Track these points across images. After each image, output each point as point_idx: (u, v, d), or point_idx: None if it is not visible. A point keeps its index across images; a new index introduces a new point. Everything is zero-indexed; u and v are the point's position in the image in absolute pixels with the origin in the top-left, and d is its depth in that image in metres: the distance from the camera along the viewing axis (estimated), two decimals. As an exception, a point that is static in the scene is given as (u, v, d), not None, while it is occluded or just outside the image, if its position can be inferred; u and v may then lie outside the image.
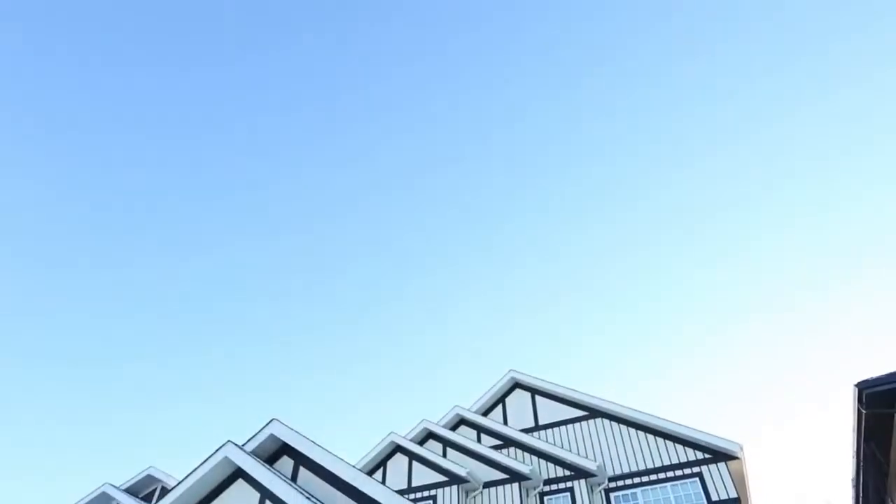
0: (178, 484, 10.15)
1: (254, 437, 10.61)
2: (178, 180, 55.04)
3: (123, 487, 17.34)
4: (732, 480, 15.05)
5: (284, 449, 10.69)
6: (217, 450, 10.28)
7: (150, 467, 18.01)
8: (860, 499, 11.48)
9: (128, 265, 55.75)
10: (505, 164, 55.63)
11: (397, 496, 8.86)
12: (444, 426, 18.40)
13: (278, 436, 10.59)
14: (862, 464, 10.48)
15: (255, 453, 10.30)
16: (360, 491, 9.23)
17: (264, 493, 9.53)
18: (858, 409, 9.60)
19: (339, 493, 9.48)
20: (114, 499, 16.93)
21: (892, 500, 10.67)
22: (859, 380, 9.28)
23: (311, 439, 10.37)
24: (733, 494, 14.73)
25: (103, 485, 17.14)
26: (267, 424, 10.72)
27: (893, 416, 9.73)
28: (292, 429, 10.58)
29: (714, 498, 14.79)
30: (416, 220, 58.42)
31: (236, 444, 10.29)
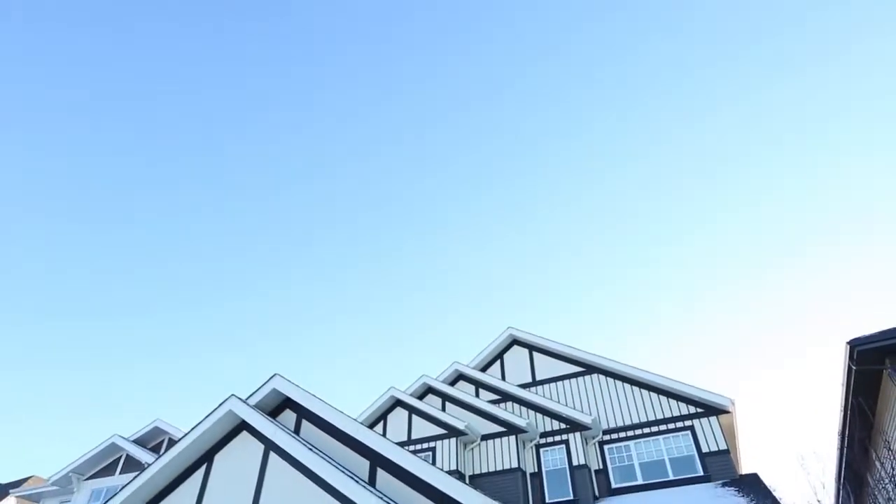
0: (185, 435, 10.44)
1: (257, 391, 10.85)
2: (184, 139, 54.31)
3: (132, 439, 17.84)
4: (723, 433, 15.51)
5: (287, 403, 10.95)
6: (221, 403, 10.52)
7: (156, 420, 18.49)
8: (845, 449, 11.86)
9: (130, 222, 55.60)
10: (506, 122, 54.79)
11: (397, 447, 9.13)
12: (444, 381, 18.80)
13: (280, 390, 10.82)
14: (849, 417, 10.77)
15: (258, 407, 10.55)
16: (361, 443, 9.51)
17: (268, 444, 9.82)
18: (849, 366, 9.80)
19: (340, 445, 9.76)
20: (123, 449, 17.46)
21: (874, 452, 11.03)
22: (851, 338, 9.46)
23: (313, 393, 10.61)
24: (723, 447, 15.20)
25: (112, 436, 17.64)
26: (269, 379, 10.94)
27: (882, 373, 9.95)
28: (294, 383, 10.81)
29: (704, 450, 15.27)
30: (417, 177, 57.91)
31: (240, 398, 10.53)
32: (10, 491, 21.26)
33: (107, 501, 10.27)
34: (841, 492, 11.94)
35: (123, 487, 10.23)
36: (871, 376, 10.04)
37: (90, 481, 17.30)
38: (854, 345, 9.39)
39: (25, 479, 24.37)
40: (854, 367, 9.65)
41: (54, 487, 17.69)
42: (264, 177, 59.28)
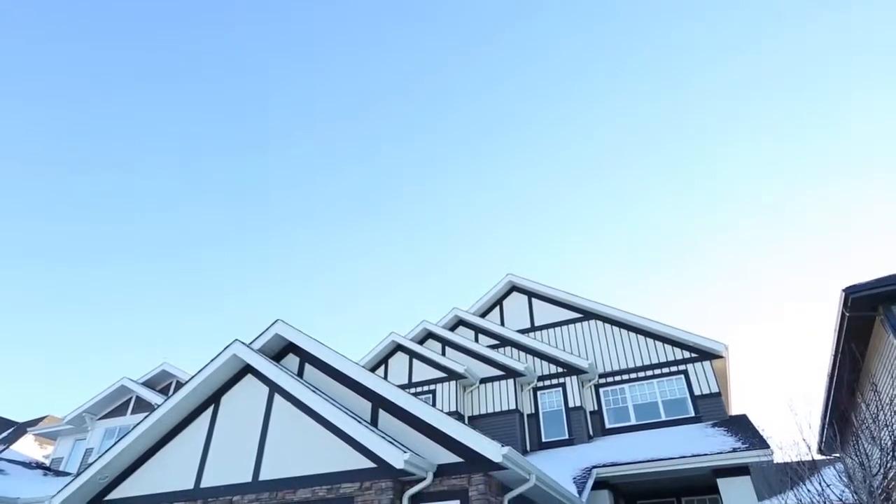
0: (192, 378, 10.75)
1: (259, 336, 11.06)
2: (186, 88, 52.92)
3: (140, 381, 18.36)
4: (715, 377, 15.94)
5: (290, 348, 11.19)
6: (226, 348, 10.76)
7: (163, 363, 18.97)
8: (833, 391, 12.21)
9: (132, 170, 55.05)
10: (510, 69, 53.20)
11: (398, 390, 9.41)
12: (443, 327, 19.15)
13: (283, 335, 11.04)
14: (839, 361, 11.04)
15: (261, 352, 10.80)
16: (363, 385, 9.79)
17: (273, 386, 10.12)
18: (843, 313, 9.95)
19: (343, 388, 10.05)
20: (132, 391, 18.00)
21: (860, 395, 11.37)
22: (847, 285, 9.58)
23: (315, 338, 10.83)
24: (715, 390, 15.66)
25: (121, 378, 18.15)
26: (272, 325, 11.14)
27: (874, 319, 10.11)
28: (296, 328, 11.01)
29: (697, 393, 15.74)
30: (419, 123, 56.86)
31: (243, 343, 10.76)
32: (28, 429, 22.11)
33: (120, 439, 10.70)
34: (826, 431, 12.38)
35: (135, 426, 10.62)
36: (864, 323, 10.22)
37: (103, 421, 17.94)
38: (849, 292, 9.52)
39: (41, 419, 25.31)
40: (847, 314, 9.81)
41: (69, 426, 18.37)
42: (269, 123, 58.24)
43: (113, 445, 10.66)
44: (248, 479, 9.33)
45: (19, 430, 24.18)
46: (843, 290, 9.58)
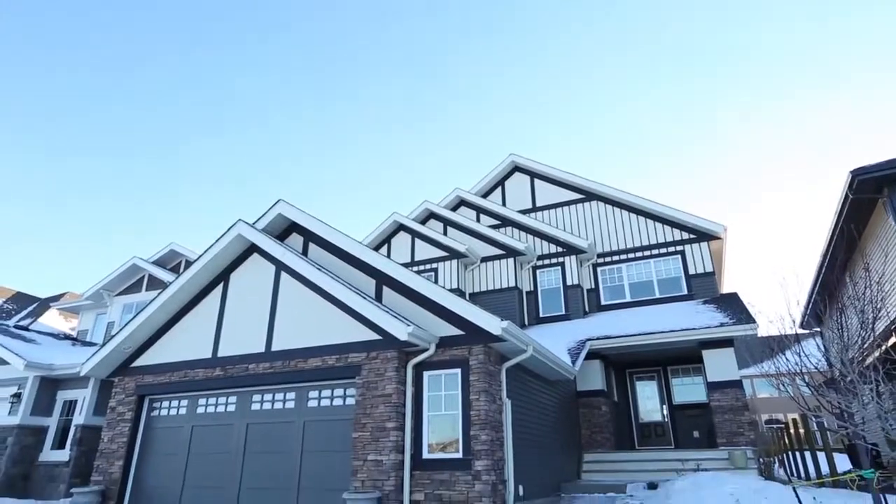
0: (200, 257, 11.03)
1: (263, 216, 11.15)
2: None
3: (151, 260, 18.89)
4: (711, 257, 16.30)
5: (293, 227, 11.33)
6: (230, 227, 10.91)
7: (172, 243, 19.36)
8: (824, 269, 12.56)
9: (147, 63, 52.07)
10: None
11: (401, 267, 9.68)
12: (445, 207, 19.24)
13: (286, 215, 11.12)
14: (835, 240, 11.21)
15: (265, 231, 10.95)
16: (367, 264, 10.05)
17: (279, 265, 10.41)
18: (846, 194, 9.92)
19: (347, 266, 10.33)
20: (144, 270, 18.59)
21: (850, 275, 11.68)
22: (855, 167, 9.47)
23: (318, 218, 10.93)
24: (709, 269, 16.10)
25: (132, 258, 18.65)
26: (274, 204, 11.18)
27: (877, 201, 10.10)
28: (299, 208, 11.07)
29: (692, 272, 16.21)
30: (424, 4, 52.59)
31: (247, 223, 10.88)
32: (51, 304, 23.21)
33: (139, 313, 11.26)
34: (811, 306, 12.92)
35: (152, 301, 11.12)
36: (865, 205, 10.23)
37: (120, 297, 18.76)
38: (855, 174, 9.43)
39: (62, 295, 26.47)
40: (851, 196, 9.78)
41: (89, 302, 19.26)
42: (274, 12, 53.86)
43: (133, 318, 11.25)
44: (262, 349, 9.94)
45: (42, 305, 25.40)
46: (851, 172, 9.48)
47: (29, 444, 13.37)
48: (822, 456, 10.77)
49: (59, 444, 13.54)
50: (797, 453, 12.35)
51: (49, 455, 13.42)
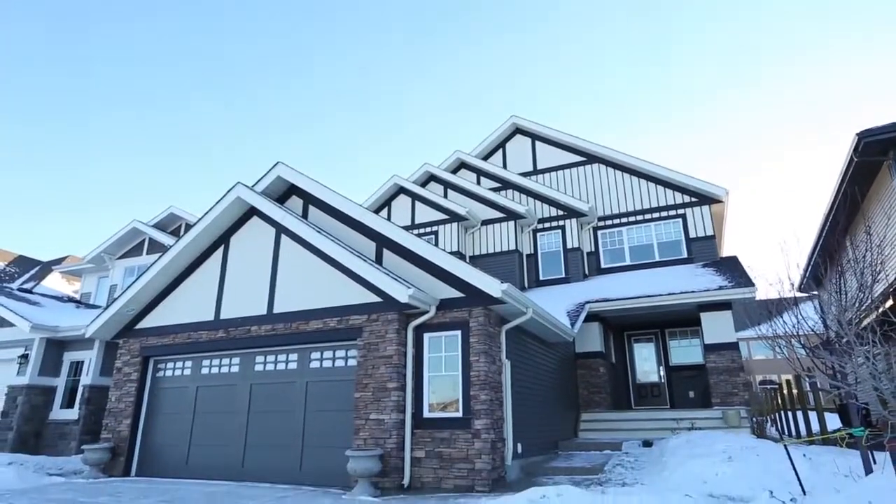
0: (200, 220, 11.01)
1: (262, 178, 11.07)
2: None
3: (150, 223, 18.86)
4: (712, 221, 16.26)
5: (293, 190, 11.26)
6: (229, 190, 10.84)
7: (171, 206, 19.29)
8: (825, 232, 12.55)
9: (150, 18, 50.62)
10: None
11: (402, 230, 9.67)
12: (446, 170, 19.07)
13: (285, 177, 11.03)
14: (838, 203, 11.16)
15: (265, 194, 10.89)
16: (367, 226, 10.03)
17: (279, 228, 10.39)
18: (851, 157, 9.83)
19: (347, 229, 10.32)
20: (144, 233, 18.58)
21: (851, 238, 11.67)
22: (861, 129, 9.36)
23: (317, 180, 10.85)
24: (710, 233, 16.08)
25: (132, 221, 18.62)
26: (273, 167, 11.08)
27: (881, 164, 10.01)
28: (298, 171, 10.97)
29: (692, 235, 16.19)
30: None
31: (246, 185, 10.81)
32: (53, 267, 23.32)
33: (140, 275, 11.32)
34: (810, 270, 12.97)
35: (153, 264, 11.16)
36: (870, 167, 10.15)
37: (121, 260, 18.81)
38: (862, 136, 9.33)
39: (63, 258, 26.56)
40: (856, 159, 9.69)
41: (91, 265, 19.32)
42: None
43: (135, 281, 11.32)
44: (263, 311, 10.04)
45: (45, 268, 25.52)
46: (857, 134, 9.38)
47: (38, 404, 13.68)
48: (813, 416, 11.01)
49: (68, 403, 13.86)
50: (789, 413, 12.63)
51: (59, 414, 13.75)
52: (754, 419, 12.15)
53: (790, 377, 14.05)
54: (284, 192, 11.33)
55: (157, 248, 17.96)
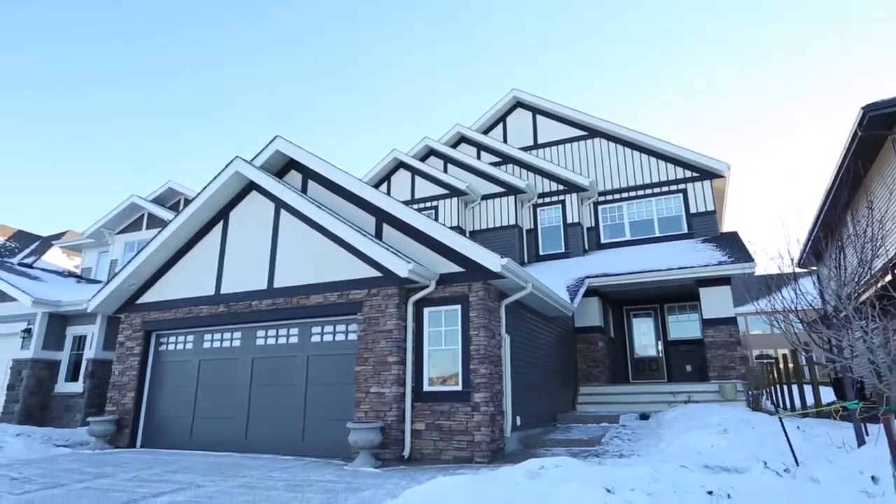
0: (198, 194, 10.96)
1: (260, 152, 10.98)
2: None
3: (149, 198, 18.78)
4: (713, 196, 16.19)
5: (292, 164, 11.18)
6: (227, 164, 10.77)
7: (170, 181, 19.18)
8: (826, 207, 12.51)
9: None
10: None
11: (401, 205, 9.63)
12: (446, 144, 18.90)
13: (283, 151, 10.95)
14: (840, 177, 11.11)
15: (263, 168, 10.82)
16: (366, 201, 10.00)
17: (278, 202, 10.35)
18: (856, 131, 9.75)
19: (347, 203, 10.28)
20: (143, 208, 18.53)
21: (853, 214, 11.64)
22: (866, 103, 9.27)
23: (316, 154, 10.76)
24: (711, 208, 16.03)
25: (131, 196, 18.55)
26: (272, 141, 10.98)
27: (886, 139, 9.93)
28: (297, 145, 10.88)
29: (693, 211, 16.14)
30: None
31: (244, 160, 10.73)
32: (53, 242, 23.32)
33: (140, 250, 11.32)
34: (810, 244, 12.96)
35: (153, 239, 11.16)
36: (874, 141, 10.07)
37: (121, 235, 18.78)
38: (867, 110, 9.23)
39: (63, 233, 26.55)
40: (861, 133, 9.61)
41: (90, 240, 19.30)
42: None
43: (135, 256, 11.33)
44: (264, 286, 10.07)
45: (44, 243, 25.53)
46: (862, 108, 9.29)
47: (43, 377, 13.84)
48: (808, 389, 11.15)
49: (73, 376, 14.02)
50: (785, 387, 12.78)
51: (64, 387, 13.92)
52: (750, 393, 12.30)
53: (786, 352, 14.19)
54: (283, 167, 11.26)
55: (156, 222, 17.93)
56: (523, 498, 4.09)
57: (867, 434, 6.49)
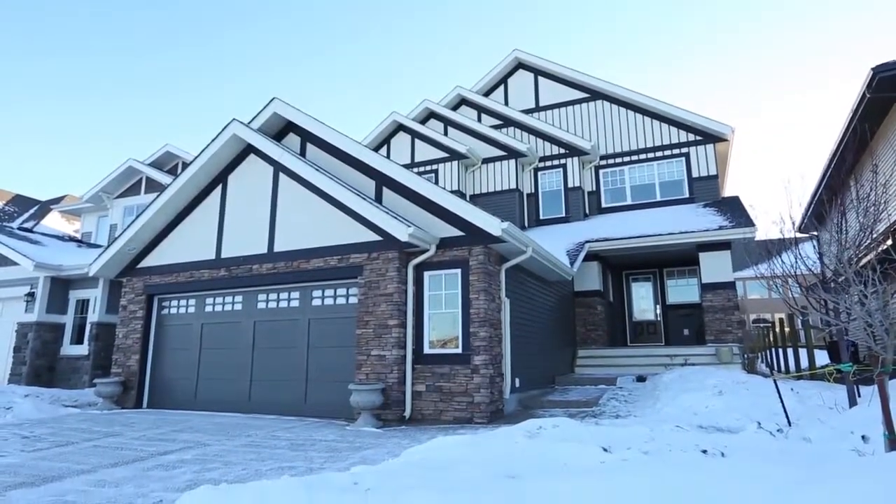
0: (196, 158, 10.84)
1: (258, 115, 10.81)
2: None
3: (146, 162, 18.61)
4: (716, 160, 16.02)
5: (290, 127, 11.02)
6: (224, 127, 10.62)
7: (167, 144, 18.96)
8: (830, 170, 12.39)
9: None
10: None
11: (401, 168, 9.55)
12: (446, 106, 18.60)
13: (281, 113, 10.78)
14: (846, 140, 10.97)
15: (261, 131, 10.67)
16: (366, 164, 9.89)
17: (276, 166, 10.25)
18: (864, 93, 9.57)
19: (346, 167, 10.17)
20: (141, 172, 18.38)
21: (856, 179, 11.54)
22: (877, 63, 9.07)
23: (315, 117, 10.60)
24: (713, 172, 15.89)
25: (128, 160, 18.37)
26: (269, 103, 10.79)
27: (893, 103, 9.76)
28: (295, 107, 10.70)
29: (695, 175, 16.00)
30: None
31: (241, 122, 10.57)
32: (52, 207, 23.25)
33: (140, 214, 11.29)
34: (813, 207, 12.90)
35: (152, 202, 11.11)
36: (882, 104, 9.89)
37: (120, 199, 18.70)
38: (877, 70, 9.04)
39: (62, 198, 26.44)
40: (869, 95, 9.43)
41: (89, 204, 19.23)
42: None
43: (135, 220, 11.30)
44: (264, 250, 10.08)
45: (43, 207, 25.44)
46: (872, 69, 9.08)
47: (48, 340, 14.02)
48: (803, 352, 11.29)
49: (77, 339, 14.20)
50: (780, 350, 12.94)
51: (69, 349, 14.12)
52: (746, 356, 12.47)
53: (783, 316, 14.30)
54: (282, 130, 11.10)
55: (154, 186, 17.82)
56: (522, 457, 4.19)
57: (859, 396, 6.60)
